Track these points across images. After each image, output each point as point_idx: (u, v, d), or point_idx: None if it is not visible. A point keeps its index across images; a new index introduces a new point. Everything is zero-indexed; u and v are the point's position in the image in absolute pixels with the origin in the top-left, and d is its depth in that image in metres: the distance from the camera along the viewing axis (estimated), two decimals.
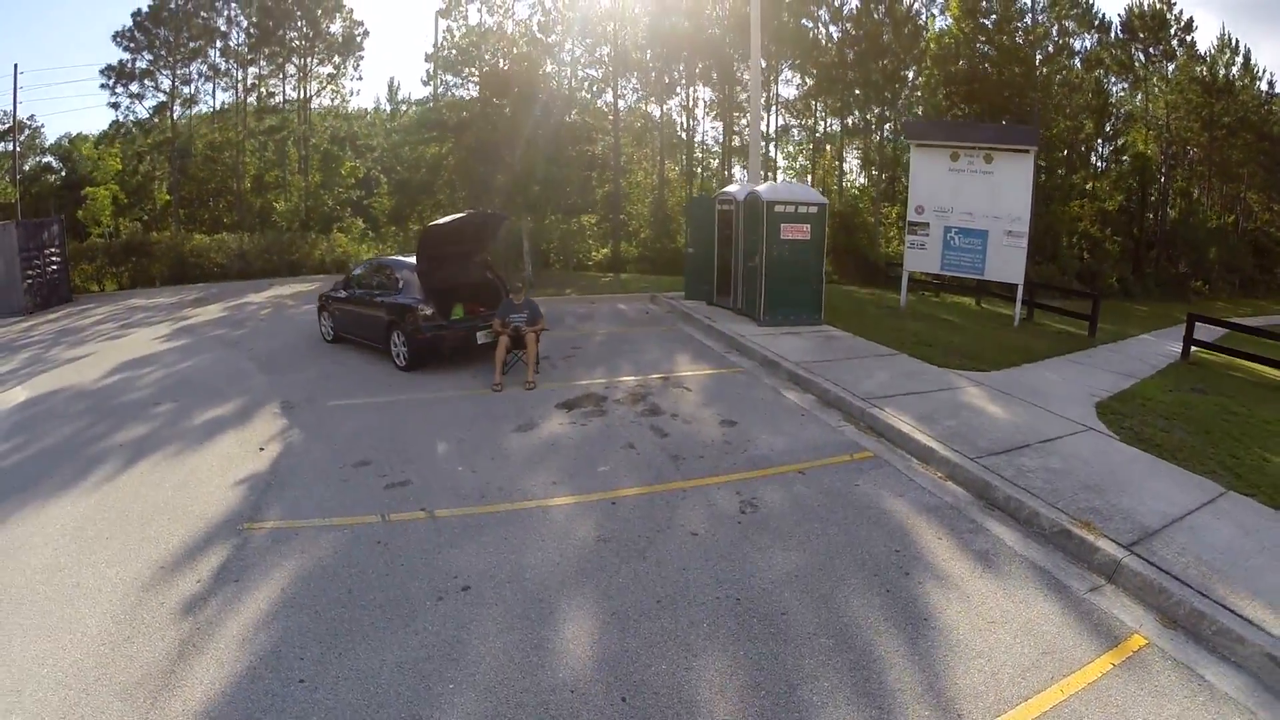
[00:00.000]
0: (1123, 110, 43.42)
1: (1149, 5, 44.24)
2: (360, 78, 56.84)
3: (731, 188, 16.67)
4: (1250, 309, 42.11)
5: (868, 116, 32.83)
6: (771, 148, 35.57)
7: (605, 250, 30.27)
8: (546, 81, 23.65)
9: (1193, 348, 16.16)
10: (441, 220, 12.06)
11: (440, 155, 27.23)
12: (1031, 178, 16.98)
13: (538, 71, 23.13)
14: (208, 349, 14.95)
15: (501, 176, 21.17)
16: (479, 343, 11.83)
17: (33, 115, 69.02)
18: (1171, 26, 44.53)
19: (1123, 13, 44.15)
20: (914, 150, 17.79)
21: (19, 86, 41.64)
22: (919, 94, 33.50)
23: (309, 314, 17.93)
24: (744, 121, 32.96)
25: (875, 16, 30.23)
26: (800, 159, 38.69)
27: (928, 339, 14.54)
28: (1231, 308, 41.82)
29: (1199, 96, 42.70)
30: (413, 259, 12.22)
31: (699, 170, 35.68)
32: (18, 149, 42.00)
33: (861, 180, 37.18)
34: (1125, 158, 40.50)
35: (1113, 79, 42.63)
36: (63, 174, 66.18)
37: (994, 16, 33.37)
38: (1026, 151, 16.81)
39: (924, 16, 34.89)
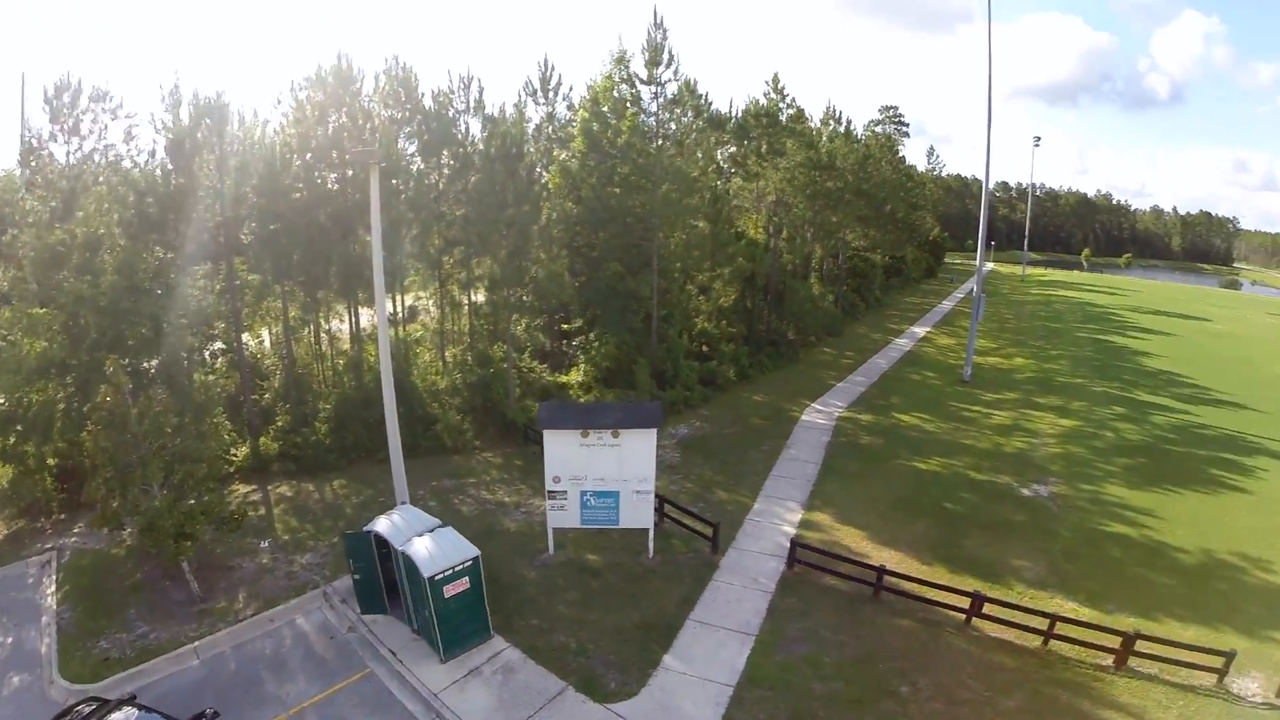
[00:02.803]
0: (738, 198, 52.13)
1: (764, 102, 53.52)
2: None
3: (381, 524, 19.00)
4: (854, 355, 53.47)
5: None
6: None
7: (244, 449, 29.95)
8: None
9: (796, 564, 22.45)
10: None
11: None
12: (654, 447, 21.63)
13: None
14: None
15: None
16: None
17: None
18: (782, 115, 54.25)
19: (738, 113, 53.07)
20: (548, 433, 21.43)
21: None
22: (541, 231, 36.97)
23: None
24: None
25: (496, 186, 31.98)
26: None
27: (572, 641, 18.61)
28: (835, 356, 52.98)
29: (806, 175, 52.72)
30: None
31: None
32: None
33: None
34: (740, 245, 47.68)
35: (729, 172, 50.98)
36: None
37: (619, 144, 37.63)
38: (649, 428, 21.42)
39: (544, 173, 38.47)
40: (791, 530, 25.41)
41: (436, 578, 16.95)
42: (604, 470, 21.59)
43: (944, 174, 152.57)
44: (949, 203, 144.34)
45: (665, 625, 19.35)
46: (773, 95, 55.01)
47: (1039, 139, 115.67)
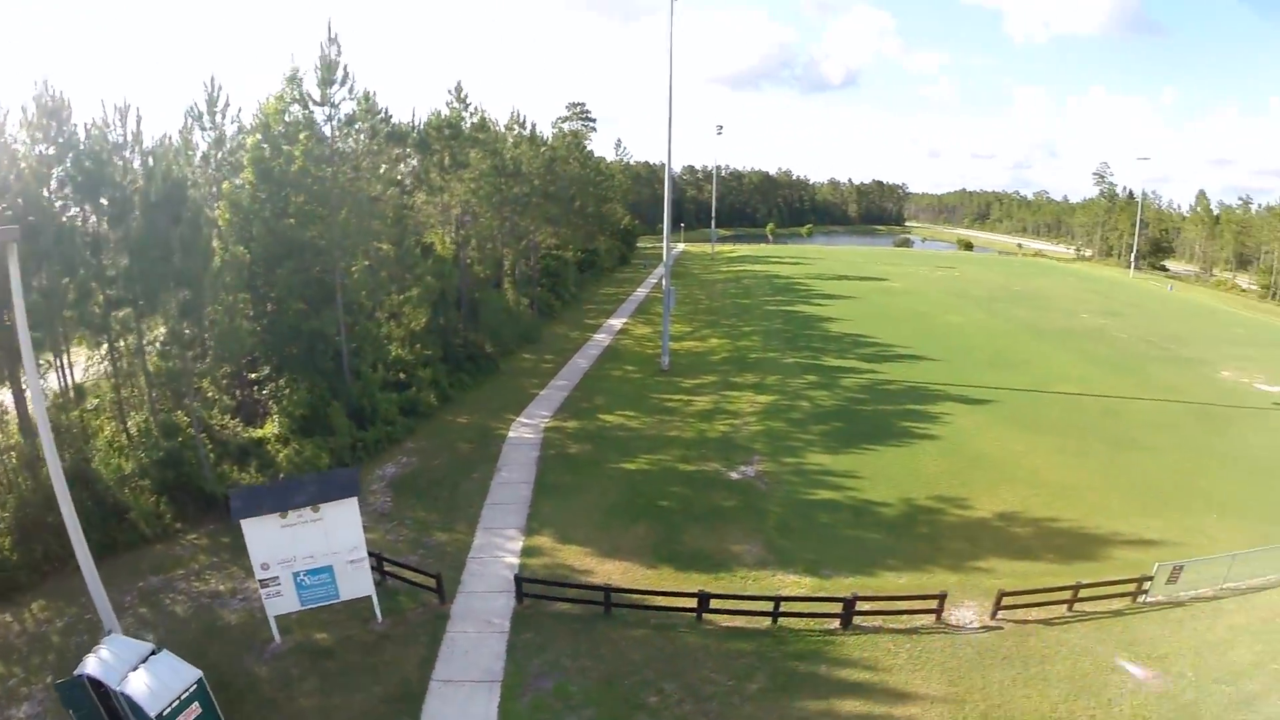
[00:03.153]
0: (423, 213, 51.65)
1: (446, 112, 53.19)
2: None
3: (91, 665, 17.29)
4: (554, 358, 55.30)
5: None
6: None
7: None
8: None
9: (525, 598, 23.59)
10: None
11: None
12: (358, 514, 21.57)
13: None
14: None
15: None
16: None
17: None
18: (465, 124, 54.29)
19: (421, 123, 52.13)
20: (245, 523, 20.52)
21: None
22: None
23: None
24: None
25: (159, 233, 28.94)
26: None
27: None
28: (536, 361, 54.55)
29: (492, 184, 53.47)
30: None
31: None
32: None
33: None
34: (427, 264, 46.72)
35: (411, 187, 50.20)
36: None
37: (293, 171, 35.59)
38: (349, 497, 21.34)
39: (216, 206, 35.93)
40: (515, 560, 26.45)
41: (164, 713, 16.17)
42: (312, 547, 21.27)
43: (633, 162, 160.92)
44: (639, 189, 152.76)
45: (410, 693, 19.70)
46: (455, 104, 55.12)
47: (721, 128, 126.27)
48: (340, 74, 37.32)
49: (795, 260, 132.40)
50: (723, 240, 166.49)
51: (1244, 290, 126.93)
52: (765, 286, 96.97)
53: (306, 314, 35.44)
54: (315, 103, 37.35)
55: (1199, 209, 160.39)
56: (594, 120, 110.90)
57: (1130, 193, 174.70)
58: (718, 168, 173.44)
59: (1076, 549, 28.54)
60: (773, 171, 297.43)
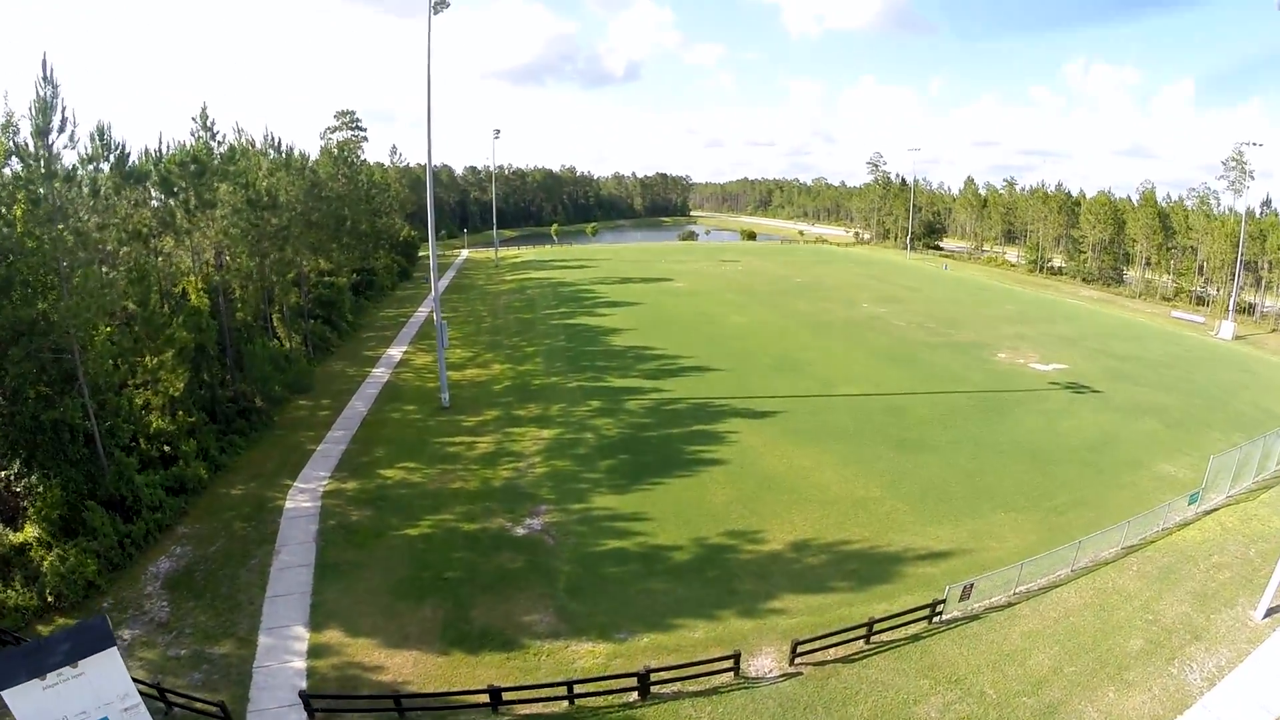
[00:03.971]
0: (170, 261, 48.35)
1: (191, 143, 49.95)
2: None
3: None
4: (331, 403, 53.08)
5: None
6: None
7: None
8: None
9: (316, 713, 23.16)
10: None
11: None
12: (119, 662, 20.86)
13: None
14: None
15: None
16: None
17: None
18: (215, 156, 51.29)
19: (165, 151, 48.65)
20: (6, 694, 19.45)
21: None
22: None
23: None
24: None
25: None
26: None
27: None
28: (312, 409, 52.19)
29: (247, 219, 50.83)
30: None
31: None
32: None
33: None
34: (179, 320, 42.98)
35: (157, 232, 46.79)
36: None
37: (14, 238, 32.28)
38: (106, 649, 20.52)
39: None
40: (303, 665, 25.63)
41: None
42: (82, 704, 20.45)
43: (412, 165, 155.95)
44: (419, 194, 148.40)
45: None
46: (201, 133, 51.78)
47: (499, 131, 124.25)
48: (59, 119, 34.09)
49: (580, 263, 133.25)
50: (508, 243, 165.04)
51: (1013, 265, 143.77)
52: (549, 296, 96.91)
53: (49, 400, 32.47)
54: (32, 158, 33.95)
55: (968, 193, 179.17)
56: (365, 129, 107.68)
57: (903, 179, 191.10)
58: (498, 169, 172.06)
59: (870, 573, 30.23)
60: (557, 169, 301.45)
